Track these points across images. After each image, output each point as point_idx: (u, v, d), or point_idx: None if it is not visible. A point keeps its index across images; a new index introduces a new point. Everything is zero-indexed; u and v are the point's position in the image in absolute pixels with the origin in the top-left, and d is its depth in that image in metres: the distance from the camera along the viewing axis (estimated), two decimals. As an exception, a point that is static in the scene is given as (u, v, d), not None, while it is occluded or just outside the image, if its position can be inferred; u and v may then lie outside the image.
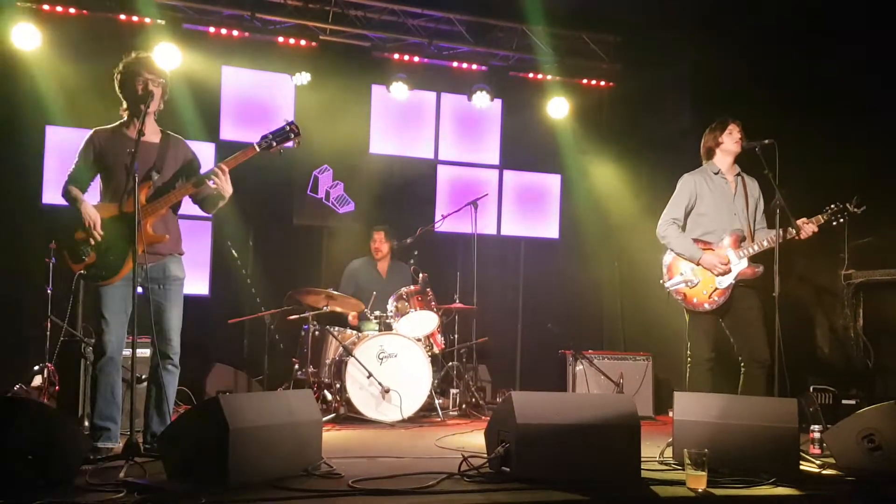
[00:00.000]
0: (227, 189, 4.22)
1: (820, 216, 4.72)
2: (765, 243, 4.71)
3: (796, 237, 4.66)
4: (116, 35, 6.51)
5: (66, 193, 4.19)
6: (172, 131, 4.43)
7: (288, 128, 4.32)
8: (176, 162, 4.29)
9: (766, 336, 4.63)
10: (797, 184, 4.76)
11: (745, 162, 4.90)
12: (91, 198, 4.22)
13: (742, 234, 4.79)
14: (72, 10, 6.60)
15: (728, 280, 4.73)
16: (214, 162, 7.10)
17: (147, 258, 4.05)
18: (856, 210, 4.69)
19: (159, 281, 4.22)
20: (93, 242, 4.08)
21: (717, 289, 4.74)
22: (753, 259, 4.74)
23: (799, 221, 4.69)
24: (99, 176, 4.24)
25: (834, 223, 4.72)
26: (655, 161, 7.08)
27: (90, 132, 4.25)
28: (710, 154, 4.94)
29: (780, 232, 4.59)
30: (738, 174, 4.92)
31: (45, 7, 6.50)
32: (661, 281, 4.90)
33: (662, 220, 4.91)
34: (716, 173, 4.90)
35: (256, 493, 3.20)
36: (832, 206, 4.72)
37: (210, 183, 4.17)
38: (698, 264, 4.76)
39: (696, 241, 4.84)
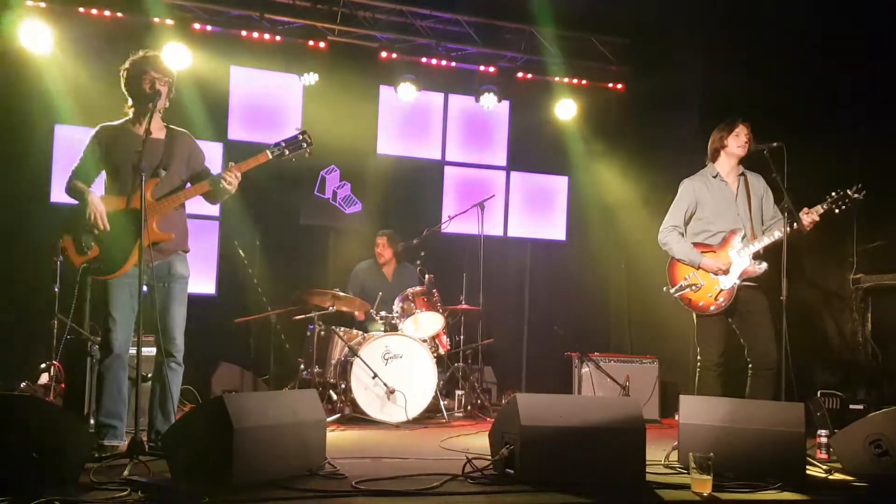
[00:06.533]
0: (236, 186, 4.24)
1: (820, 206, 4.67)
2: (765, 239, 4.71)
3: (800, 229, 4.62)
4: (125, 35, 6.53)
5: (70, 188, 4.19)
6: (181, 129, 4.43)
7: (301, 137, 4.40)
8: (182, 158, 4.30)
9: (775, 339, 4.60)
10: (805, 187, 4.74)
11: (752, 164, 4.88)
12: (96, 192, 4.21)
13: (743, 232, 4.78)
14: (81, 10, 6.63)
15: (732, 280, 4.71)
16: (223, 162, 7.17)
17: (152, 255, 4.05)
18: (857, 196, 4.62)
19: (164, 279, 4.22)
20: (96, 233, 4.08)
21: (721, 290, 4.72)
22: (757, 256, 4.72)
23: (801, 212, 4.65)
24: (104, 171, 4.24)
25: (836, 210, 4.65)
26: (663, 163, 7.06)
27: (96, 127, 4.26)
28: (715, 155, 4.92)
29: (787, 231, 4.57)
30: (741, 174, 4.91)
31: (55, 6, 6.53)
32: (665, 289, 4.89)
33: (663, 227, 4.93)
34: (714, 176, 4.89)
35: (260, 493, 3.20)
36: (833, 193, 4.67)
37: (224, 184, 4.18)
38: (699, 269, 4.76)
39: (697, 244, 4.83)
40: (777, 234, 4.66)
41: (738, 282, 4.71)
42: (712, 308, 4.73)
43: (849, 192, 4.63)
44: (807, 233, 4.64)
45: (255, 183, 6.70)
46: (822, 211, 4.65)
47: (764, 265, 4.69)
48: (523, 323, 8.24)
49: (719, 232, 4.82)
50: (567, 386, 6.67)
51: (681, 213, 4.90)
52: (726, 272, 4.70)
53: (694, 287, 4.77)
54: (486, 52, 7.72)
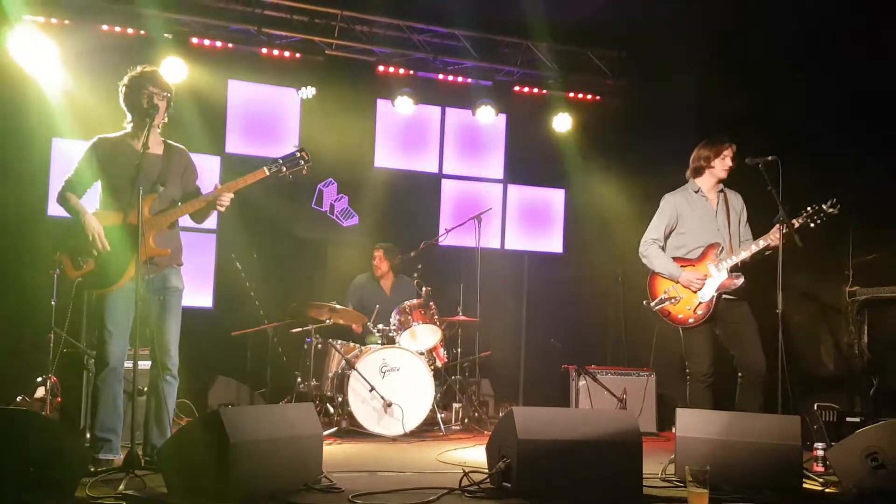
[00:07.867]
0: (226, 206, 4.25)
1: (795, 220, 4.70)
2: (742, 253, 4.77)
3: (779, 240, 4.63)
4: (123, 49, 6.54)
5: (63, 200, 4.18)
6: (179, 144, 4.45)
7: (298, 154, 4.42)
8: (178, 174, 4.32)
9: (760, 349, 4.66)
10: (800, 202, 4.76)
11: (748, 177, 4.90)
12: (87, 203, 4.21)
13: (721, 247, 4.83)
14: (79, 24, 6.63)
15: (709, 293, 4.77)
16: (220, 175, 7.18)
17: (148, 269, 4.06)
18: (832, 210, 4.67)
19: (159, 292, 4.22)
20: (95, 253, 4.09)
21: (700, 302, 4.78)
22: (735, 270, 4.76)
23: (776, 227, 4.68)
24: (100, 184, 4.25)
25: (811, 225, 4.70)
26: (659, 177, 7.01)
27: (94, 139, 4.27)
28: (698, 172, 4.98)
29: (782, 243, 4.59)
30: (721, 190, 4.97)
31: (53, 20, 6.55)
32: (645, 302, 4.94)
33: (643, 240, 4.99)
34: (696, 191, 4.95)
35: (256, 507, 3.20)
36: (808, 208, 4.72)
37: (218, 206, 4.21)
38: (678, 282, 4.80)
39: (676, 258, 4.89)
40: (753, 248, 4.73)
41: (715, 294, 4.77)
42: (691, 320, 4.79)
43: (824, 206, 4.70)
44: (799, 246, 4.66)
45: (253, 196, 6.73)
46: (796, 226, 4.68)
47: (741, 279, 4.75)
48: (520, 335, 8.24)
49: (698, 246, 4.89)
50: (564, 399, 6.65)
51: (661, 226, 4.96)
52: (703, 283, 4.74)
53: (673, 300, 4.83)
54: (482, 66, 7.74)
